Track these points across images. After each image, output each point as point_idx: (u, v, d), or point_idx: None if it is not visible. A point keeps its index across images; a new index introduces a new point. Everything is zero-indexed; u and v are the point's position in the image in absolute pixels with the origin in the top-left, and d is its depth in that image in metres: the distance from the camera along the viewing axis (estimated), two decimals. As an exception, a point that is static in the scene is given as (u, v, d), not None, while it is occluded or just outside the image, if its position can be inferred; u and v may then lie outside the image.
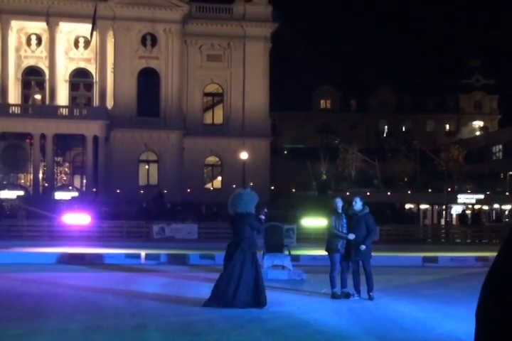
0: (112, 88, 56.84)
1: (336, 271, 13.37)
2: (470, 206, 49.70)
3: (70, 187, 57.23)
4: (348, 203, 13.96)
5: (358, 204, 13.49)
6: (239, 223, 12.22)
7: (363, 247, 13.18)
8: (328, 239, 13.56)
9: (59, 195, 53.45)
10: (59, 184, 57.41)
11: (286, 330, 10.09)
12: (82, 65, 58.63)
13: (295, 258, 18.81)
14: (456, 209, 50.23)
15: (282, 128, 79.77)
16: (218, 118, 60.24)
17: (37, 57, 57.91)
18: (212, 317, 11.00)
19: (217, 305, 11.71)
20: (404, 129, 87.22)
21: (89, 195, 51.78)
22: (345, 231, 13.31)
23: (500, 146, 68.59)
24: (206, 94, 60.17)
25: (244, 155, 49.58)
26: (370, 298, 13.21)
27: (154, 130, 56.05)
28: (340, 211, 13.53)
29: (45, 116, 53.64)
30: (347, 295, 13.33)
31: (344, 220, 13.40)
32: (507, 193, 51.30)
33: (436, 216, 51.44)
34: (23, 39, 57.61)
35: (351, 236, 13.18)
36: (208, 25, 58.65)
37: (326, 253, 13.64)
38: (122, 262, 20.40)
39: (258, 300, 11.93)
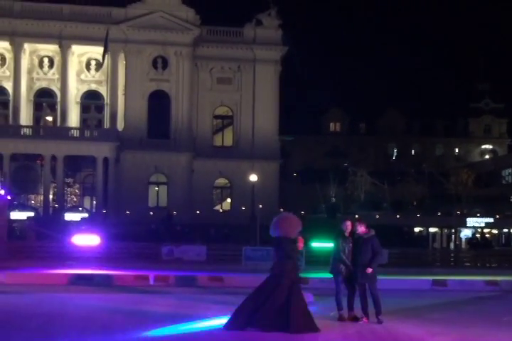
0: (123, 110, 57.23)
1: (340, 293, 13.38)
2: (479, 229, 49.56)
3: (80, 209, 57.43)
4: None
5: (360, 228, 13.51)
6: (276, 247, 12.11)
7: (369, 270, 13.19)
8: (332, 262, 13.59)
9: (69, 216, 53.64)
10: (69, 205, 57.61)
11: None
12: (94, 87, 59.12)
13: (303, 281, 18.76)
14: (465, 233, 50.14)
15: (291, 150, 79.89)
16: (228, 141, 60.46)
17: (49, 79, 58.45)
18: (219, 339, 11.02)
19: (237, 326, 11.51)
20: (413, 152, 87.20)
21: (99, 216, 51.91)
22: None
23: (510, 170, 68.47)
24: (216, 117, 60.46)
25: (253, 178, 49.62)
26: (379, 322, 13.17)
27: (164, 152, 56.26)
28: (347, 234, 13.53)
29: (56, 137, 54.04)
30: (354, 319, 13.31)
31: (351, 244, 13.41)
32: (516, 217, 51.17)
33: (445, 239, 51.35)
34: (36, 61, 58.19)
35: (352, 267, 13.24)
36: (219, 48, 59.10)
37: (331, 275, 13.68)
38: (131, 283, 20.45)
39: (286, 324, 11.58)
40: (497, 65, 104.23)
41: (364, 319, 13.25)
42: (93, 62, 58.65)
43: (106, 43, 54.14)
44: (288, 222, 12.32)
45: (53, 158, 54.64)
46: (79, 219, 52.41)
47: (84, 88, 59.04)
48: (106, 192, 55.07)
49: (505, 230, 51.70)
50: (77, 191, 58.75)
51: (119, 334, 11.31)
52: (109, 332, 11.56)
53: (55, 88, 58.25)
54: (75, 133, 55.87)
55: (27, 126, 56.29)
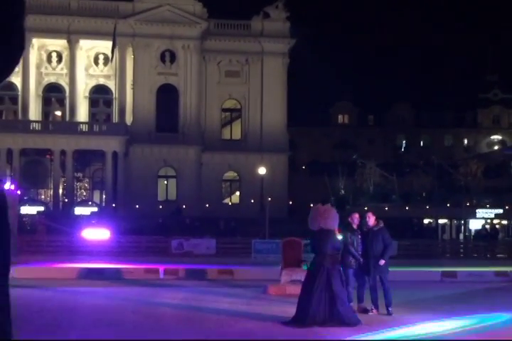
0: (131, 104, 57.31)
1: (350, 285, 13.41)
2: (489, 220, 49.47)
3: (90, 203, 57.62)
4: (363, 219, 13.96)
5: (371, 220, 13.53)
6: (319, 240, 12.00)
7: (382, 262, 13.21)
8: (342, 255, 13.61)
9: (79, 211, 53.84)
10: (79, 199, 57.80)
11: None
12: (102, 81, 59.19)
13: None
14: (474, 224, 50.05)
15: (300, 143, 79.77)
16: (236, 134, 60.49)
17: (57, 74, 58.55)
18: (228, 331, 11.08)
19: (305, 325, 11.32)
20: (422, 144, 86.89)
21: (109, 211, 52.06)
22: (360, 247, 13.36)
23: (519, 160, 68.17)
24: (224, 110, 60.48)
25: (262, 170, 49.67)
26: (389, 313, 13.20)
27: (173, 145, 56.36)
28: (355, 227, 13.55)
29: (65, 132, 54.18)
30: (364, 310, 13.34)
31: (359, 236, 13.43)
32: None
33: (454, 230, 51.27)
34: (44, 56, 58.29)
35: (361, 260, 13.27)
36: (226, 41, 59.05)
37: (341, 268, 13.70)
38: (141, 277, 20.53)
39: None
40: (506, 55, 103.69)
41: (374, 310, 13.29)
42: (101, 57, 58.70)
43: (114, 38, 54.17)
44: (327, 214, 12.20)
45: (63, 152, 54.81)
46: (88, 213, 52.60)
47: (93, 82, 59.13)
48: (115, 186, 55.23)
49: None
50: (86, 185, 58.93)
51: (129, 328, 11.36)
52: (118, 325, 11.61)
53: (64, 83, 58.36)
54: (84, 127, 56.02)
55: (36, 121, 56.45)
